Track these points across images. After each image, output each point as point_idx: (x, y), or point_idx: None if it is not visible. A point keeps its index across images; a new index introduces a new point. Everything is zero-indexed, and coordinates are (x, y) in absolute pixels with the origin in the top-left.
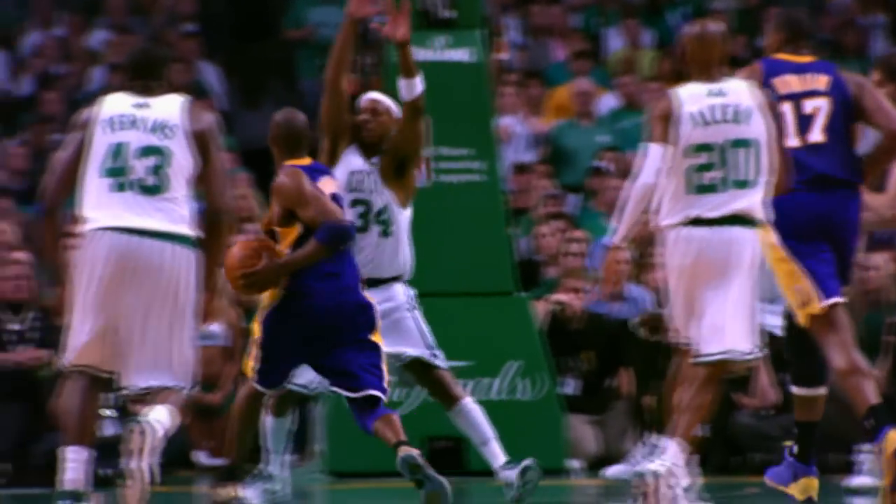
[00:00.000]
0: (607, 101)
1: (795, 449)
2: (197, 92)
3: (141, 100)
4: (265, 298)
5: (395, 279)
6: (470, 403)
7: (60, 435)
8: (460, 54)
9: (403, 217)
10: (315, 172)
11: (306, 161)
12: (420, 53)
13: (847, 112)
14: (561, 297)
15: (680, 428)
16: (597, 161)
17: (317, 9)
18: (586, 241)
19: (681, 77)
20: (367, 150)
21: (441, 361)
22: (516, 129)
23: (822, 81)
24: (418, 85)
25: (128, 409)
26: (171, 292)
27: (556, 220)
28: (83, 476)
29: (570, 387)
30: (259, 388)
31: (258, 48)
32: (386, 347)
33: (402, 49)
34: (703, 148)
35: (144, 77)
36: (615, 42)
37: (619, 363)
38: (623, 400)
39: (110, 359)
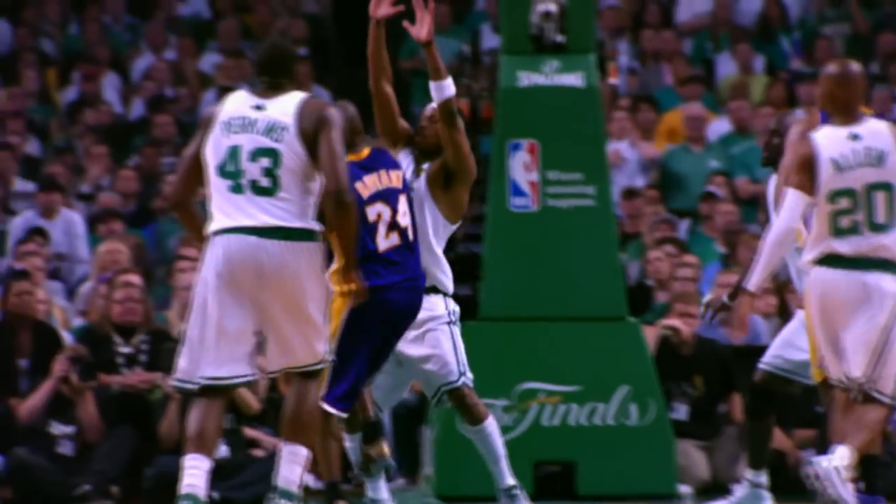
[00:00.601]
0: (718, 126)
1: (862, 486)
2: None
3: (259, 100)
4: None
5: (433, 290)
6: (491, 426)
7: (183, 444)
8: (572, 79)
9: (443, 229)
10: (361, 170)
11: (363, 154)
12: (532, 78)
13: None
14: (672, 322)
15: (855, 439)
16: (708, 186)
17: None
18: (697, 266)
19: (793, 103)
20: (421, 158)
21: (467, 380)
22: (627, 153)
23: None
24: (447, 87)
25: (240, 433)
26: (295, 287)
27: (667, 244)
28: (203, 483)
29: (681, 412)
30: (335, 412)
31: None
32: (413, 352)
33: (427, 50)
34: (844, 193)
35: (271, 73)
36: (726, 67)
37: (730, 388)
38: (733, 425)
39: (228, 363)
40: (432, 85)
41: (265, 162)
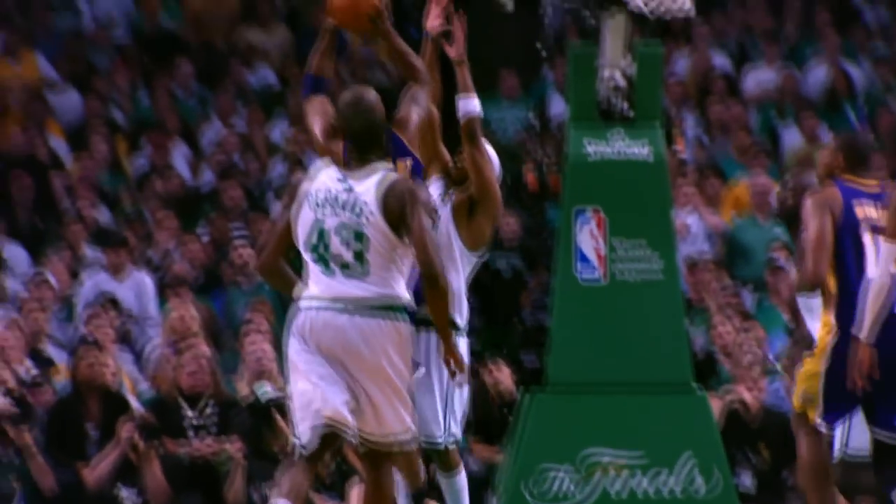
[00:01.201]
0: None
1: None
2: None
3: (347, 177)
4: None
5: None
6: (463, 478)
7: (273, 489)
8: (638, 149)
9: (465, 259)
10: None
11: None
12: (599, 148)
13: None
14: (737, 391)
15: None
16: (773, 256)
17: (497, 109)
18: (763, 336)
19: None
20: (450, 185)
21: (450, 440)
22: (693, 223)
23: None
24: (472, 105)
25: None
26: (381, 362)
27: (733, 314)
28: None
29: (746, 481)
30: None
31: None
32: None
33: (459, 67)
34: None
35: (360, 145)
36: (792, 137)
37: (796, 457)
38: (799, 494)
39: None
40: (459, 101)
41: (351, 240)
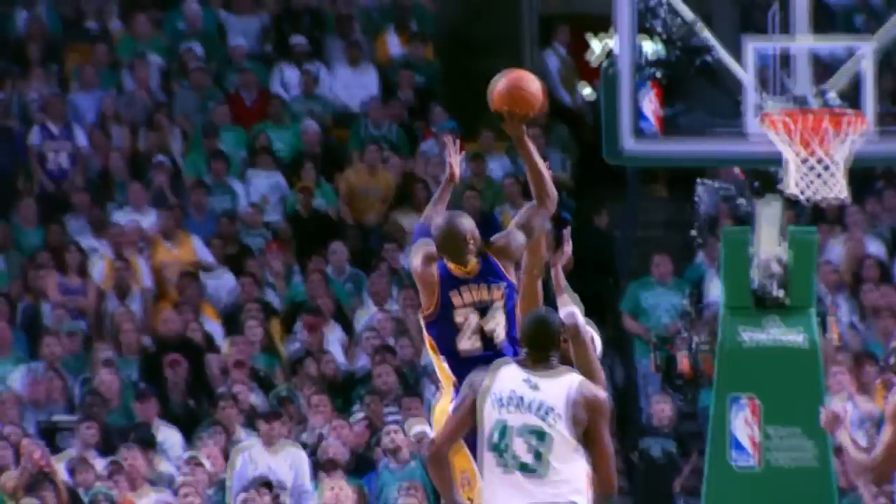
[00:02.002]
0: None
1: None
2: None
3: (533, 377)
4: None
5: None
6: None
7: None
8: (793, 336)
9: None
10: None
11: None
12: (753, 335)
13: None
14: None
15: None
16: None
17: (649, 292)
18: None
19: None
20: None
21: None
22: (847, 410)
23: None
24: (565, 313)
25: None
26: None
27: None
28: None
29: None
30: None
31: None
32: None
33: (553, 269)
34: None
35: (539, 348)
36: None
37: None
38: None
39: None
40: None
41: (535, 442)
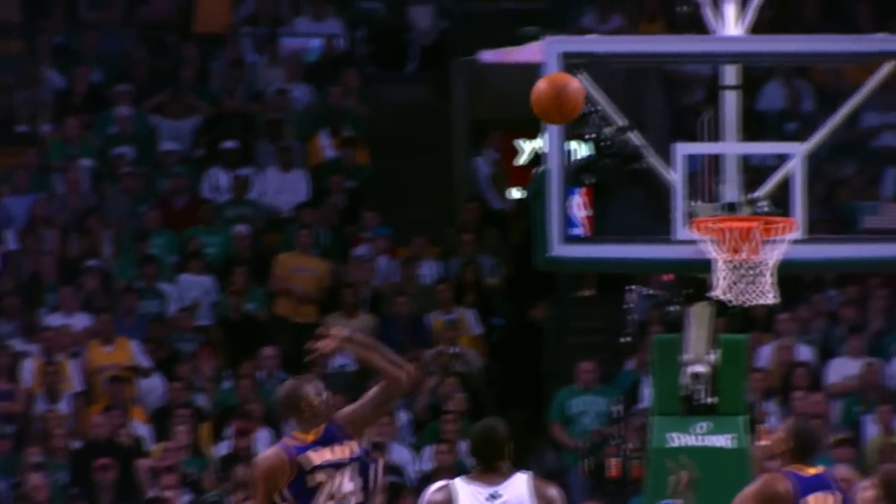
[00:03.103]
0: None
1: None
2: None
3: (491, 488)
4: None
5: None
6: None
7: None
8: (722, 440)
9: None
10: None
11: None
12: (682, 438)
13: None
14: None
15: None
16: None
17: (576, 399)
18: None
19: None
20: None
21: None
22: None
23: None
24: None
25: None
26: None
27: None
28: None
29: None
30: None
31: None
32: None
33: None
34: None
35: (489, 457)
36: (873, 429)
37: None
38: None
39: None
40: None
41: None
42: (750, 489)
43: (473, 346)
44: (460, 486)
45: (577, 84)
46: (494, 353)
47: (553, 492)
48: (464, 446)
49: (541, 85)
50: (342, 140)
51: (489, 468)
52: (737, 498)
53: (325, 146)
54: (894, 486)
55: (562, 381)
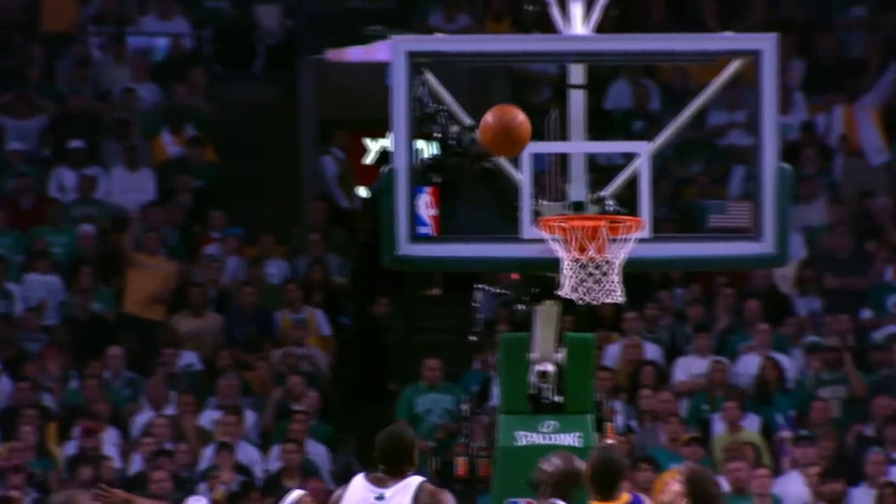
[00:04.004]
0: None
1: None
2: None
3: (379, 490)
4: None
5: None
6: None
7: None
8: (569, 438)
9: None
10: None
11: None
12: (529, 437)
13: None
14: None
15: None
16: None
17: (422, 398)
18: None
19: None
20: None
21: None
22: None
23: None
24: None
25: None
26: None
27: None
28: None
29: None
30: None
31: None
32: None
33: None
34: None
35: (392, 462)
36: (721, 427)
37: None
38: None
39: None
40: None
41: None
42: None
43: (322, 346)
44: (359, 482)
45: (522, 117)
46: (342, 352)
47: (441, 498)
48: (311, 446)
49: (488, 120)
50: (188, 139)
51: (390, 472)
52: None
53: (168, 143)
54: (697, 484)
55: (409, 380)
